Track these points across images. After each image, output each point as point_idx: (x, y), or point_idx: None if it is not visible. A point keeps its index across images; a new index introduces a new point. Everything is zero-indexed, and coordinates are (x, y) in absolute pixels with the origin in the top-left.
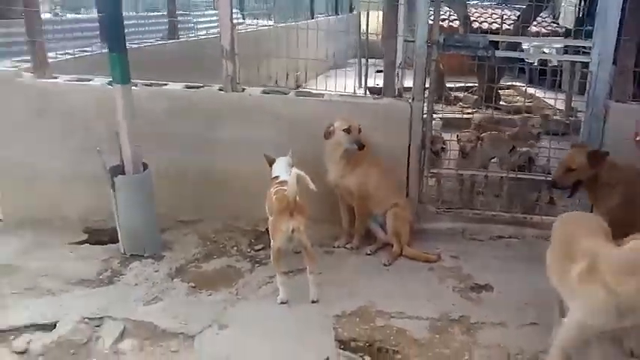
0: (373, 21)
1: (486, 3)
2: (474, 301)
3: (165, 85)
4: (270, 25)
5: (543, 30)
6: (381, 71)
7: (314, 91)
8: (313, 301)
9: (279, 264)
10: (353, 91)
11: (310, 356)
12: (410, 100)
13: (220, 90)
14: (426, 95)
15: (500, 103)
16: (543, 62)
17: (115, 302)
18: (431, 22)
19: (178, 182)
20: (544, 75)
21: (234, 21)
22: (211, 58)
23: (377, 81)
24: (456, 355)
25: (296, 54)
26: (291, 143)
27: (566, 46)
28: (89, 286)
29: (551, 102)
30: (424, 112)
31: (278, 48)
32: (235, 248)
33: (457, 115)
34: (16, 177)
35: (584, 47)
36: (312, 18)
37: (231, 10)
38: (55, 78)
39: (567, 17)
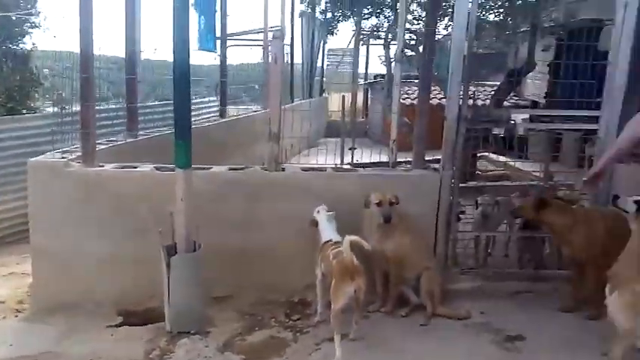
0: (338, 102)
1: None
2: (512, 351)
3: (210, 167)
4: (258, 110)
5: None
6: (353, 148)
7: (347, 167)
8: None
9: (339, 325)
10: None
11: None
12: (440, 170)
13: (264, 169)
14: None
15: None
16: (510, 132)
17: None
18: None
19: (216, 260)
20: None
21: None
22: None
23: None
24: None
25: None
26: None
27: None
28: None
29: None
30: (452, 181)
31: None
32: (274, 320)
33: None
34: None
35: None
36: (292, 102)
37: (281, 101)
38: (102, 166)
39: (532, 89)
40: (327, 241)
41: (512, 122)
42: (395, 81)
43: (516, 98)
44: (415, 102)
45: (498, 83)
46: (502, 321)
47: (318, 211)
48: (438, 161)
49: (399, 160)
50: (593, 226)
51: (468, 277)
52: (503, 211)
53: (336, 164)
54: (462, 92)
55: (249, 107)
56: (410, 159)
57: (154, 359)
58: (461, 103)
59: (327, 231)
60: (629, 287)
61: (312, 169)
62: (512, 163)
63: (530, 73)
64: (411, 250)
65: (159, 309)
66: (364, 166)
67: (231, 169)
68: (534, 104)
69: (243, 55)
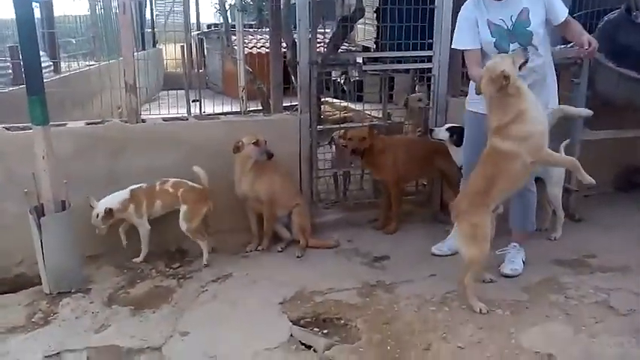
0: (172, 54)
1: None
2: (381, 269)
3: (65, 124)
4: (92, 65)
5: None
6: (196, 101)
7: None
8: None
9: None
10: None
11: (277, 336)
12: (299, 114)
13: (124, 122)
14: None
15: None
16: (345, 76)
17: (65, 337)
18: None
19: (85, 218)
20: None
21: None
22: None
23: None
24: (388, 308)
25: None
26: (198, 164)
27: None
28: (25, 331)
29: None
30: (310, 123)
31: (102, 86)
32: (154, 270)
33: None
34: None
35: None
36: None
37: (133, 49)
38: None
39: (362, 35)
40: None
41: (359, 64)
42: (237, 29)
43: (347, 44)
44: (252, 51)
45: (328, 31)
46: (368, 245)
47: None
48: (289, 107)
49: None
50: (394, 152)
51: (332, 211)
52: None
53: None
54: (310, 38)
55: (81, 62)
56: (256, 108)
57: (38, 322)
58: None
59: None
60: (466, 219)
61: (174, 118)
62: (352, 105)
63: (360, 19)
64: (282, 190)
65: (29, 274)
66: (216, 115)
67: (88, 123)
68: (365, 49)
69: (64, 7)
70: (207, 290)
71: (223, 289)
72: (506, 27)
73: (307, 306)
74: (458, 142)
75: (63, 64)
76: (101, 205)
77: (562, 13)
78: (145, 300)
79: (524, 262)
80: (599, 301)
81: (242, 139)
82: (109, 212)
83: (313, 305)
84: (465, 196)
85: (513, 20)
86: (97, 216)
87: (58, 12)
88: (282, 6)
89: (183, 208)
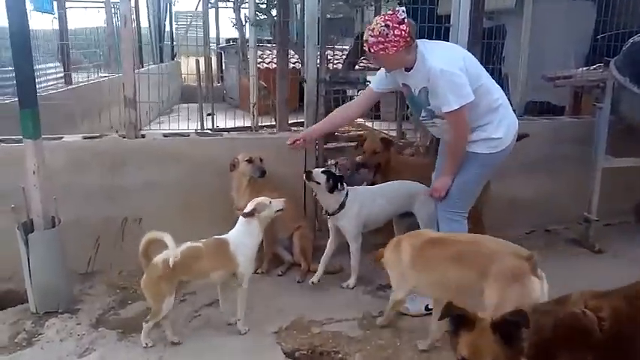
0: (193, 67)
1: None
2: (385, 298)
3: (61, 137)
4: (106, 76)
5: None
6: (212, 114)
7: (212, 131)
8: None
9: None
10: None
11: None
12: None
13: (122, 137)
14: None
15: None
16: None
17: None
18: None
19: (81, 234)
20: None
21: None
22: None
23: (209, 124)
24: (389, 343)
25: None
26: (197, 182)
27: None
28: (7, 352)
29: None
30: (316, 142)
31: (116, 97)
32: None
33: None
34: None
35: None
36: (143, 66)
37: (134, 63)
38: None
39: None
40: None
41: (368, 83)
42: (250, 44)
43: (366, 61)
44: (269, 66)
45: (347, 47)
46: (371, 272)
47: None
48: (297, 125)
49: (260, 124)
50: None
51: None
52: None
53: (196, 130)
54: (318, 55)
55: (94, 74)
56: (270, 123)
57: (21, 343)
58: (318, 66)
59: None
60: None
61: (174, 134)
62: (368, 123)
63: None
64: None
65: (18, 291)
66: (226, 131)
67: (85, 137)
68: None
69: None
70: (200, 315)
71: (217, 314)
72: (413, 96)
73: (303, 337)
74: (332, 189)
75: (75, 75)
76: None
77: (443, 107)
78: (135, 323)
79: (427, 309)
80: None
81: (237, 157)
82: None
83: (310, 336)
84: None
85: (416, 94)
86: None
87: (76, 24)
88: (294, 22)
89: None
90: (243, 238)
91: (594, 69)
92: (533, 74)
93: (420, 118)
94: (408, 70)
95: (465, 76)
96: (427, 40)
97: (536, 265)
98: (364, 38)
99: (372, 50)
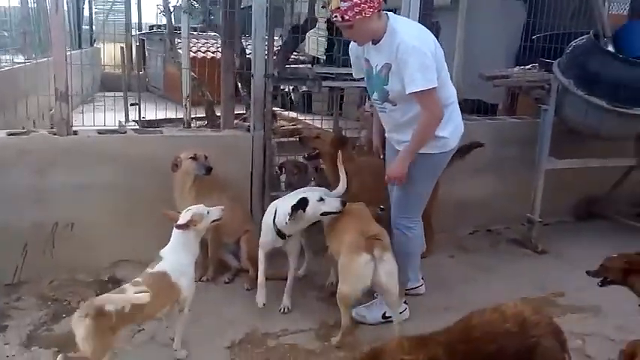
0: (111, 54)
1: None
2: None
3: None
4: (22, 63)
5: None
6: (135, 104)
7: (150, 129)
8: None
9: None
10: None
11: None
12: (251, 131)
13: (53, 134)
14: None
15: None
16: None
17: None
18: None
19: (6, 241)
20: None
21: None
22: None
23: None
24: (349, 355)
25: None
26: (135, 183)
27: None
28: None
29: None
30: (264, 140)
31: (32, 86)
32: (83, 302)
33: None
34: None
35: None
36: None
37: (65, 51)
38: None
39: (313, 45)
40: None
41: (319, 80)
42: (183, 34)
43: (296, 53)
44: (197, 55)
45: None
46: (324, 277)
47: None
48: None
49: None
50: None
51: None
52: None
53: (120, 122)
54: (266, 49)
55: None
56: (199, 115)
57: None
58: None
59: None
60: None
61: (110, 130)
62: (302, 117)
63: (312, 30)
64: (229, 214)
65: None
66: (155, 123)
67: (10, 134)
68: (315, 60)
69: None
70: (143, 330)
71: (162, 329)
72: (372, 74)
73: (259, 351)
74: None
75: None
76: None
77: (409, 86)
78: (71, 339)
79: (385, 317)
80: (575, 348)
81: (180, 155)
82: None
83: (266, 351)
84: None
85: (375, 71)
86: None
87: None
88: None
89: None
90: (180, 256)
91: (529, 69)
92: (465, 72)
93: (372, 100)
94: (375, 42)
95: (434, 61)
96: (397, 15)
97: (376, 245)
98: (331, 7)
99: (346, 17)
